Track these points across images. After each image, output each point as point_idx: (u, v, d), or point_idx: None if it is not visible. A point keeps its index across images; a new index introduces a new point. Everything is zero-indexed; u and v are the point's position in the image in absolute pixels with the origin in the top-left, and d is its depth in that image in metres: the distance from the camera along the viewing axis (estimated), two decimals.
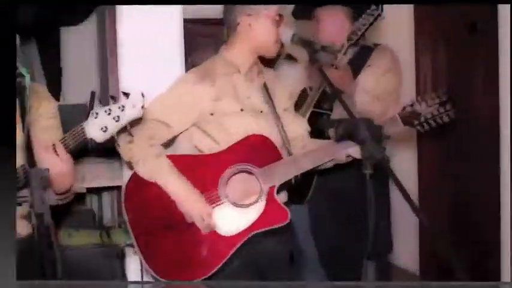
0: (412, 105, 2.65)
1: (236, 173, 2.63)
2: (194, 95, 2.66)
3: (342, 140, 2.61)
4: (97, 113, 2.13)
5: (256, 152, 2.63)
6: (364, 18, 3.15)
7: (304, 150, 2.76)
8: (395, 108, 3.01)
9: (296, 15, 3.49)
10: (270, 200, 2.61)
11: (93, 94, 4.35)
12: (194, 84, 2.68)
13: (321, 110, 3.31)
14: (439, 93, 2.65)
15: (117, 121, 2.13)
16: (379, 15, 3.13)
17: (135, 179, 2.65)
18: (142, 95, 2.14)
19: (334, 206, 3.35)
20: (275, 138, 2.70)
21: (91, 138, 2.15)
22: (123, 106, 2.12)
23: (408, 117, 2.66)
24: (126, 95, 2.14)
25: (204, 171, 2.65)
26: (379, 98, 3.19)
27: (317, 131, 3.03)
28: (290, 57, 3.68)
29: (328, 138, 3.12)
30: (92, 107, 4.17)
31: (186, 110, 2.67)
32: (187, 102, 2.66)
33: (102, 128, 2.13)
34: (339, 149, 2.64)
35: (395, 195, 3.28)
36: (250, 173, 2.62)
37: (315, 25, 3.33)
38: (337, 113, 3.22)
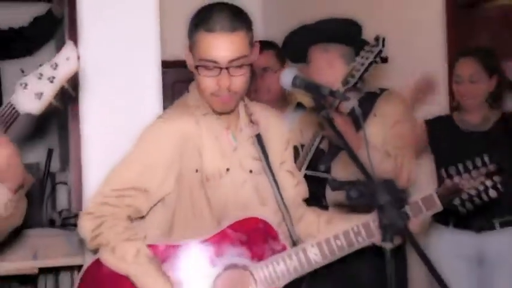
0: (451, 177, 2.22)
1: (225, 269, 2.13)
2: (178, 136, 2.13)
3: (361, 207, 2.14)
4: (25, 83, 1.93)
5: (253, 240, 2.13)
6: (362, 56, 2.73)
7: (304, 226, 2.31)
8: (411, 166, 2.79)
9: (292, 56, 3.12)
10: None
11: (50, 152, 3.93)
12: (175, 120, 2.16)
13: (316, 173, 2.86)
14: (485, 160, 2.23)
15: (52, 82, 1.93)
16: (380, 52, 2.71)
17: (100, 266, 2.10)
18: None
19: None
20: (270, 211, 2.21)
21: (27, 114, 1.95)
22: (55, 64, 1.94)
23: (449, 195, 2.23)
24: None
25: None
26: (390, 154, 2.76)
27: (311, 199, 2.52)
28: (301, 106, 3.44)
29: (326, 207, 2.76)
30: (48, 167, 3.83)
31: (169, 159, 2.13)
32: (170, 149, 2.13)
33: (36, 95, 1.93)
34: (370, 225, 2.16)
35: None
36: (243, 268, 2.13)
37: (306, 68, 2.92)
38: (336, 174, 2.82)
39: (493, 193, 2.22)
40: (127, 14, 2.71)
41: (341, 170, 2.79)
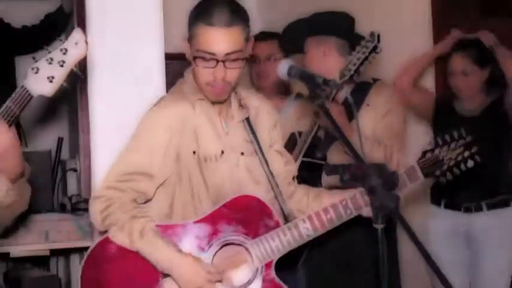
0: (432, 150, 2.30)
1: (221, 247, 2.20)
2: (175, 120, 2.20)
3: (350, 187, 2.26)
4: (37, 68, 1.99)
5: (247, 217, 2.20)
6: (358, 51, 2.83)
7: (295, 202, 2.38)
8: (400, 154, 2.86)
9: (288, 47, 3.25)
10: (268, 280, 2.19)
11: (60, 140, 3.94)
12: (171, 105, 2.24)
13: (313, 160, 2.96)
14: (462, 132, 2.31)
15: (62, 66, 1.99)
16: (375, 47, 2.81)
17: (106, 245, 2.18)
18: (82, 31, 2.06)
19: (337, 269, 2.93)
20: (263, 189, 2.29)
21: (40, 95, 1.99)
22: (65, 49, 2.00)
23: (430, 166, 2.30)
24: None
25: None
26: (380, 143, 2.86)
27: (306, 182, 2.60)
28: (301, 96, 3.49)
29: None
30: (59, 154, 3.89)
31: (166, 144, 2.20)
32: (167, 133, 2.21)
33: (48, 79, 1.98)
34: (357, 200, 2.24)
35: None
36: (239, 245, 2.20)
37: (303, 58, 3.01)
38: (331, 161, 2.92)
39: (470, 163, 2.29)
40: (133, 8, 2.78)
41: (336, 157, 2.89)
